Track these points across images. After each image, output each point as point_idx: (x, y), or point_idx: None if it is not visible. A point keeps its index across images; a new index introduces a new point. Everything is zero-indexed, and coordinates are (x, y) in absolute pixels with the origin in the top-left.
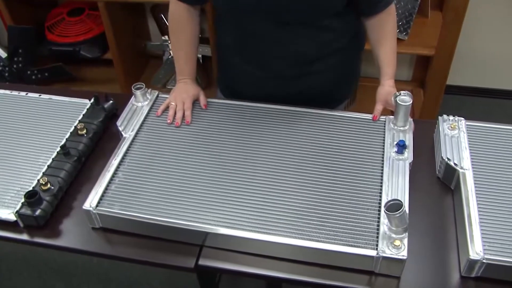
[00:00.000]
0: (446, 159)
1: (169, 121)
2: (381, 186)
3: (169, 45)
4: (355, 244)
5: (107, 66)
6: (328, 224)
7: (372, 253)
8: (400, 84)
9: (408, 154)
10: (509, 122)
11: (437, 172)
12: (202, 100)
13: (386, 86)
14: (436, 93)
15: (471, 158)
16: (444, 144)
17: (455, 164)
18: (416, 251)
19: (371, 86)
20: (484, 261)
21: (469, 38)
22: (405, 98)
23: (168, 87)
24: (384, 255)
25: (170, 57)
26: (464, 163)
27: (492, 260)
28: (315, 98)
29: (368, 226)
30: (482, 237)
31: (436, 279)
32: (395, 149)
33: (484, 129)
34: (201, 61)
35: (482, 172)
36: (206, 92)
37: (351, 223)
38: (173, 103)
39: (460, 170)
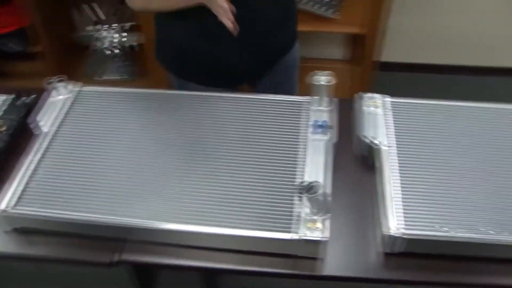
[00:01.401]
0: (366, 137)
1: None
2: (303, 168)
3: (103, 32)
4: (276, 228)
5: (34, 60)
6: (247, 209)
7: (294, 236)
8: (334, 63)
9: (331, 134)
10: (445, 96)
11: (358, 151)
12: None
13: None
14: (370, 70)
15: (396, 135)
16: (365, 122)
17: (375, 141)
18: (339, 231)
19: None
20: (404, 236)
21: (400, 14)
22: (325, 78)
23: (104, 77)
24: (305, 237)
25: (101, 47)
26: (386, 140)
27: (412, 235)
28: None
29: (288, 209)
30: (404, 213)
31: (360, 258)
32: (318, 129)
33: (409, 105)
34: (136, 49)
35: (406, 149)
36: (141, 81)
37: (271, 208)
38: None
39: (383, 148)
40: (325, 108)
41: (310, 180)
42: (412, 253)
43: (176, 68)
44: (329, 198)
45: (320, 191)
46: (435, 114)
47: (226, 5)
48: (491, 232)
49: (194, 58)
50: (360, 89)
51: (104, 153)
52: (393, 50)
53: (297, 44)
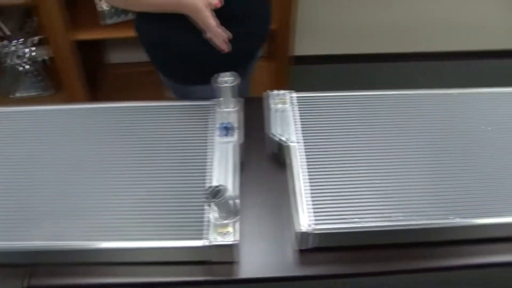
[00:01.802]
0: (275, 135)
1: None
2: (211, 172)
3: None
4: (188, 236)
5: None
6: (158, 220)
7: (205, 242)
8: None
9: (238, 136)
10: (364, 84)
11: (269, 149)
12: None
13: None
14: (286, 66)
15: (302, 130)
16: (273, 119)
17: (282, 138)
18: (252, 232)
19: None
20: (315, 232)
21: (310, 7)
22: (228, 79)
23: (18, 94)
24: (216, 243)
25: (10, 63)
26: (293, 137)
27: (322, 229)
28: None
29: (199, 216)
30: (314, 208)
31: (276, 257)
32: (224, 132)
33: (314, 99)
34: (48, 63)
35: (313, 143)
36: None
37: (183, 216)
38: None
39: (291, 144)
40: (231, 110)
41: (217, 184)
42: (327, 247)
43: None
44: (238, 201)
45: (226, 194)
46: (342, 105)
47: (221, 32)
48: (401, 218)
49: (183, 57)
50: (278, 85)
51: (14, 177)
52: (307, 43)
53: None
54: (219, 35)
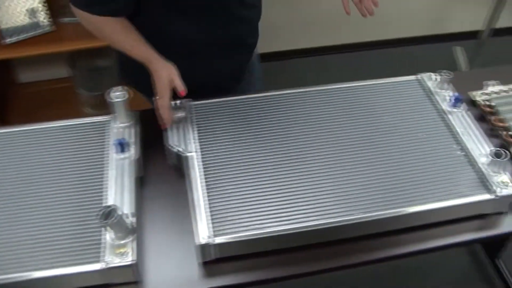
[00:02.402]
0: (172, 145)
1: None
2: (107, 192)
3: None
4: (84, 261)
5: None
6: (51, 247)
7: (102, 265)
8: None
9: (134, 151)
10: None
11: (170, 161)
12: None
13: None
14: None
15: (200, 139)
16: (170, 129)
17: (179, 149)
18: (155, 249)
19: None
20: (214, 243)
21: None
22: (119, 94)
23: None
24: (113, 265)
25: None
26: (191, 146)
27: (221, 240)
28: None
29: (94, 238)
30: (212, 219)
31: (179, 273)
32: (119, 148)
33: (209, 106)
34: None
35: (210, 152)
36: None
37: (78, 240)
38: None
39: (188, 154)
40: (125, 125)
41: (111, 204)
42: (232, 256)
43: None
44: (134, 219)
45: (119, 214)
46: (240, 110)
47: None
48: (304, 220)
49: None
50: None
51: None
52: None
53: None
54: (163, 116)
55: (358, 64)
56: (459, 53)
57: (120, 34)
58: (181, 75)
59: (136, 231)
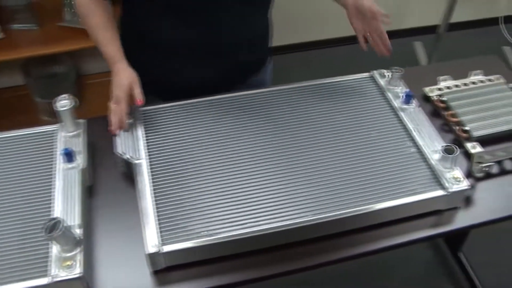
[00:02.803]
0: (121, 153)
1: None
2: (54, 203)
3: None
4: (31, 276)
5: None
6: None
7: (47, 280)
8: None
9: (82, 160)
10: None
11: (120, 168)
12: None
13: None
14: None
15: (148, 146)
16: (118, 136)
17: (127, 156)
18: (106, 259)
19: (98, 83)
20: (163, 252)
21: None
22: (66, 102)
23: None
24: (59, 278)
25: None
26: (139, 153)
27: (170, 248)
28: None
29: (42, 252)
30: (160, 227)
31: (131, 283)
32: (66, 158)
33: (158, 111)
34: None
35: (158, 158)
36: None
37: (25, 254)
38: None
39: (136, 162)
40: (72, 133)
41: (56, 216)
42: (183, 264)
43: None
44: (80, 230)
45: (63, 226)
46: (186, 114)
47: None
48: (252, 224)
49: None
50: None
51: None
52: None
53: (270, 65)
54: (116, 122)
55: (323, 61)
56: (419, 48)
57: (100, 28)
58: (166, 76)
59: (83, 243)
